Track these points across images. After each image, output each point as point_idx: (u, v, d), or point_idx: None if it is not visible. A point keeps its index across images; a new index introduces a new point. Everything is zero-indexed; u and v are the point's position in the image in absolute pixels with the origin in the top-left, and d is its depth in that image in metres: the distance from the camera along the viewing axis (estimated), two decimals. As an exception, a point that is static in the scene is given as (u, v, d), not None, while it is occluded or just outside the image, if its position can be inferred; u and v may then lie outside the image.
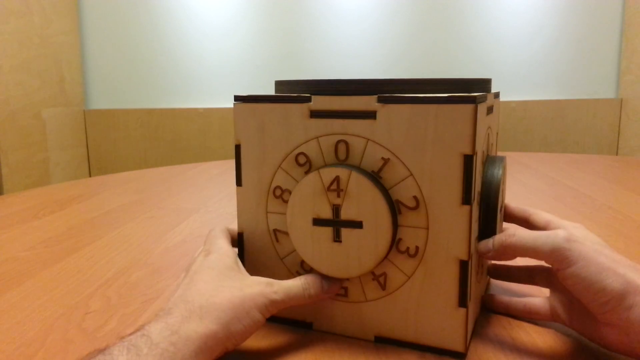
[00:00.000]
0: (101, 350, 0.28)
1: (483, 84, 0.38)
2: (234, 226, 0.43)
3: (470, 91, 0.35)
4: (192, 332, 0.30)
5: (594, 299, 0.32)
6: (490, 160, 0.39)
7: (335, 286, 0.38)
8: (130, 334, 0.30)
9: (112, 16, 2.06)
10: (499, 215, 0.40)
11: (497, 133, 0.46)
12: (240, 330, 0.33)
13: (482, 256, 0.38)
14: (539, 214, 0.42)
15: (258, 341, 0.39)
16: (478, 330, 0.39)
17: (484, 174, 0.38)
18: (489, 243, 0.37)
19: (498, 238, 0.36)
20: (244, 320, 0.33)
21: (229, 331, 0.32)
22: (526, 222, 0.43)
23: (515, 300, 0.41)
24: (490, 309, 0.43)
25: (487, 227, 0.38)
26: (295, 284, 0.36)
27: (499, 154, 0.46)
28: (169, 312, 0.32)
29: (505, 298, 0.42)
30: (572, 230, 0.36)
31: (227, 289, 0.34)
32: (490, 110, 0.40)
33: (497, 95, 0.44)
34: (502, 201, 0.43)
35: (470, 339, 0.37)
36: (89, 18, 2.06)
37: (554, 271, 0.35)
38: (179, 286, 0.35)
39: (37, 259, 0.58)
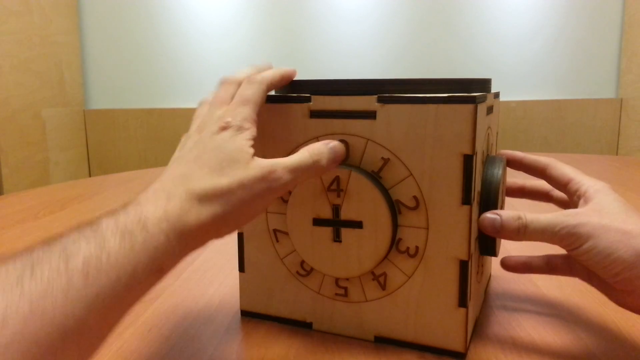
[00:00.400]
0: (90, 225, 0.27)
1: (483, 84, 0.38)
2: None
3: (470, 91, 0.35)
4: (187, 227, 0.29)
5: (606, 270, 0.33)
6: (490, 160, 0.39)
7: (338, 146, 0.35)
8: (125, 212, 0.28)
9: (112, 16, 2.05)
10: None
11: (497, 133, 0.46)
12: (236, 225, 0.32)
13: (485, 232, 0.37)
14: (558, 169, 0.40)
15: (258, 341, 0.39)
16: (478, 330, 0.39)
17: (484, 173, 0.38)
18: (495, 223, 0.36)
19: (508, 225, 0.35)
20: (242, 217, 0.31)
21: (223, 228, 0.31)
22: (542, 174, 0.42)
23: (536, 257, 0.41)
24: (511, 271, 0.42)
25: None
26: (302, 159, 0.33)
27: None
28: (169, 196, 0.29)
29: (524, 257, 0.42)
30: (592, 194, 0.36)
31: (227, 183, 0.30)
32: (490, 110, 0.40)
33: (497, 95, 0.44)
34: (503, 201, 0.43)
35: (470, 339, 0.37)
36: (89, 18, 2.06)
37: (567, 250, 0.35)
38: (182, 154, 0.33)
39: (36, 259, 0.58)
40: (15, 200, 0.90)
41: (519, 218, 0.35)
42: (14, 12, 1.68)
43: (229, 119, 0.33)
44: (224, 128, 0.33)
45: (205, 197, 0.30)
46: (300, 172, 0.33)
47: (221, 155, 0.31)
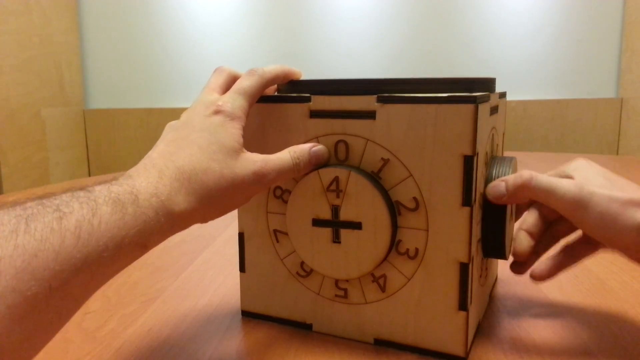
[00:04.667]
0: (83, 190, 0.27)
1: (486, 84, 0.38)
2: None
3: (472, 91, 0.35)
4: (176, 206, 0.29)
5: (614, 245, 0.34)
6: (499, 161, 0.39)
7: (320, 151, 0.36)
8: (117, 183, 0.28)
9: (112, 16, 2.05)
10: (509, 216, 0.39)
11: (503, 134, 0.46)
12: (221, 212, 0.32)
13: (494, 201, 0.37)
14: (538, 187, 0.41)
15: (258, 341, 0.38)
16: (481, 333, 0.39)
17: (490, 174, 0.38)
18: (500, 187, 0.36)
19: (513, 182, 0.35)
20: (228, 204, 0.32)
21: (209, 212, 0.32)
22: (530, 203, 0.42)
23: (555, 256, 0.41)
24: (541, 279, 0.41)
25: (493, 229, 0.37)
26: (285, 160, 0.34)
27: (504, 154, 0.45)
28: (161, 173, 0.30)
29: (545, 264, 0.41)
30: (572, 172, 0.36)
31: (219, 168, 0.31)
32: (494, 110, 0.39)
33: (502, 95, 0.44)
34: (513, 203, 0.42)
35: (472, 342, 0.37)
36: (89, 18, 2.05)
37: (567, 217, 0.35)
38: (171, 133, 0.33)
39: (36, 259, 0.58)
40: (15, 200, 0.90)
41: (522, 175, 0.35)
42: (13, 12, 1.67)
43: (221, 104, 0.34)
44: (216, 112, 0.33)
45: (195, 178, 0.30)
46: (283, 173, 0.34)
47: (211, 138, 0.32)
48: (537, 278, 0.41)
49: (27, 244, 0.22)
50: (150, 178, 0.29)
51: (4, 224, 0.23)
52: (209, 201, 0.31)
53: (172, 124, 0.35)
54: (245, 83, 0.35)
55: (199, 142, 0.32)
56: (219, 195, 0.31)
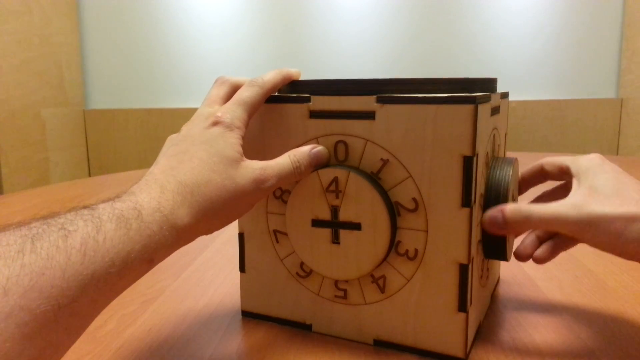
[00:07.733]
0: (87, 207, 0.27)
1: (487, 84, 0.38)
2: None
3: (472, 91, 0.35)
4: (180, 220, 0.29)
5: (617, 252, 0.33)
6: (500, 162, 0.39)
7: (320, 152, 0.36)
8: (120, 199, 0.28)
9: (112, 16, 2.05)
10: None
11: (505, 134, 0.45)
12: (225, 222, 0.33)
13: (490, 231, 0.36)
14: (551, 162, 0.41)
15: (258, 341, 0.38)
16: (481, 335, 0.39)
17: (491, 175, 0.38)
18: (497, 220, 0.35)
19: (512, 217, 0.35)
20: (232, 214, 0.33)
21: (214, 224, 0.32)
22: (542, 175, 0.42)
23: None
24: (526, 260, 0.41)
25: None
26: (284, 165, 0.34)
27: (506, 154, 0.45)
28: (163, 188, 0.30)
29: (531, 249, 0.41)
30: (582, 173, 0.36)
31: (220, 179, 0.31)
32: (495, 110, 0.39)
33: (504, 95, 0.44)
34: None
35: (472, 343, 0.37)
36: (89, 18, 2.05)
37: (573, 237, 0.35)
38: (171, 148, 0.33)
39: (36, 259, 0.58)
40: (15, 200, 0.90)
41: (521, 210, 0.35)
42: (14, 12, 1.68)
43: (220, 115, 0.34)
44: (215, 123, 0.34)
45: (197, 191, 0.30)
46: (283, 177, 0.34)
47: (212, 150, 0.32)
48: (539, 261, 0.40)
49: (33, 263, 0.23)
50: (153, 193, 0.29)
51: (10, 245, 0.23)
52: (212, 213, 0.31)
53: (172, 137, 0.35)
54: (245, 94, 0.36)
55: (200, 154, 0.32)
56: (222, 206, 0.31)
